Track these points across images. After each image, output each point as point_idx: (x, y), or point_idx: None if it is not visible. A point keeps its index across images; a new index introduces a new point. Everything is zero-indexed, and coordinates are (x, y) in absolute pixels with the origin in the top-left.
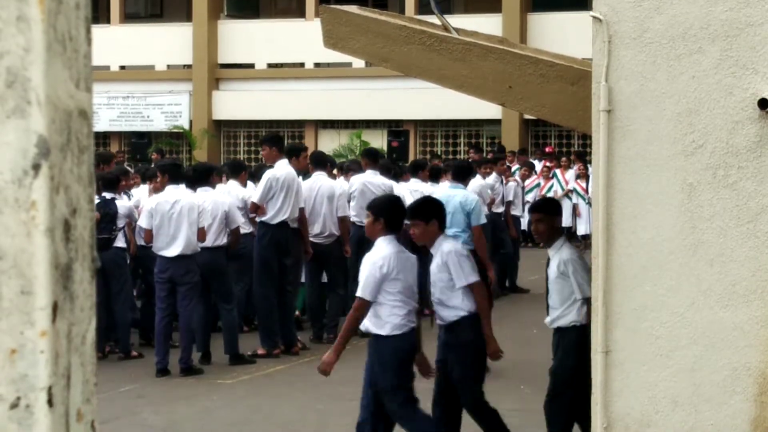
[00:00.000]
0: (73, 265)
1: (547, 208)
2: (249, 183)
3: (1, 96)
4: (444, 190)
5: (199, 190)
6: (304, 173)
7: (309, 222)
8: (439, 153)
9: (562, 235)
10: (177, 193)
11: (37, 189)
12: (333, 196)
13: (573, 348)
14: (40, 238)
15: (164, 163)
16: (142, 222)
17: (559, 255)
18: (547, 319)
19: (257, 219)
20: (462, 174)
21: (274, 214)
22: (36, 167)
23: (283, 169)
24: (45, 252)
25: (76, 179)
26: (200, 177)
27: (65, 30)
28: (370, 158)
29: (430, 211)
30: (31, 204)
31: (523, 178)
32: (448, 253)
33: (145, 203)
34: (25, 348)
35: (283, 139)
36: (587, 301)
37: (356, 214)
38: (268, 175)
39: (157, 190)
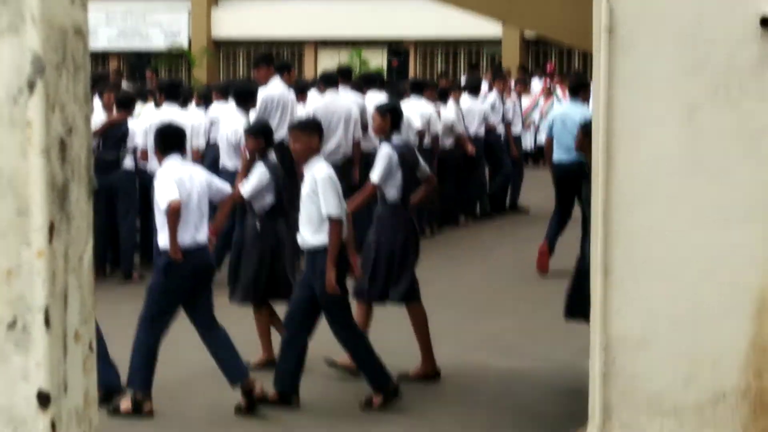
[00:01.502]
0: (69, 185)
1: None
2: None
3: None
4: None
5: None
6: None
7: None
8: (440, 72)
9: None
10: (174, 113)
11: (33, 107)
12: (350, 117)
13: None
14: (36, 157)
15: (163, 82)
16: (140, 141)
17: None
18: None
19: None
20: (578, 89)
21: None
22: (31, 85)
23: (277, 87)
24: (41, 172)
25: (72, 98)
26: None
27: None
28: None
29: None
30: (26, 123)
31: (519, 94)
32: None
33: (142, 122)
34: (22, 268)
35: (273, 57)
36: None
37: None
38: (262, 95)
39: None
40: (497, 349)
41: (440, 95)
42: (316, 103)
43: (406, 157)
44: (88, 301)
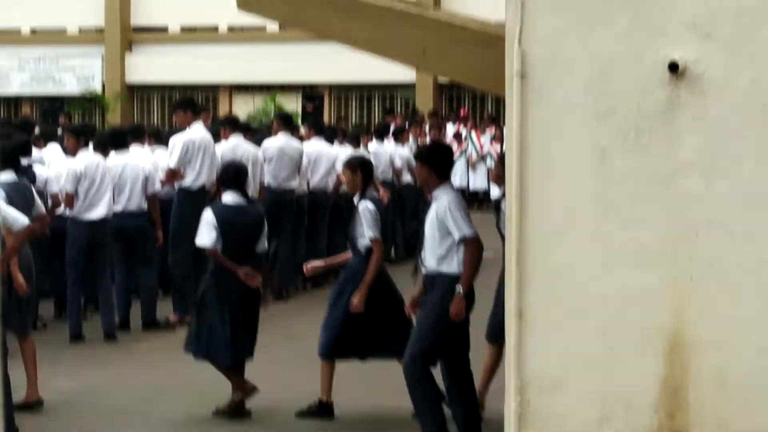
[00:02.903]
0: None
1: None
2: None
3: None
4: None
5: (115, 153)
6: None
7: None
8: (350, 118)
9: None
10: (94, 157)
11: None
12: (257, 161)
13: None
14: None
15: (77, 126)
16: (67, 185)
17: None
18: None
19: (176, 185)
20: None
21: (193, 179)
22: None
23: (198, 132)
24: None
25: None
26: (117, 141)
27: None
28: (284, 122)
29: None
30: None
31: (433, 139)
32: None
33: (62, 166)
34: None
35: (196, 102)
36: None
37: (273, 177)
38: (182, 138)
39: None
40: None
41: (351, 139)
42: (223, 147)
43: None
44: None
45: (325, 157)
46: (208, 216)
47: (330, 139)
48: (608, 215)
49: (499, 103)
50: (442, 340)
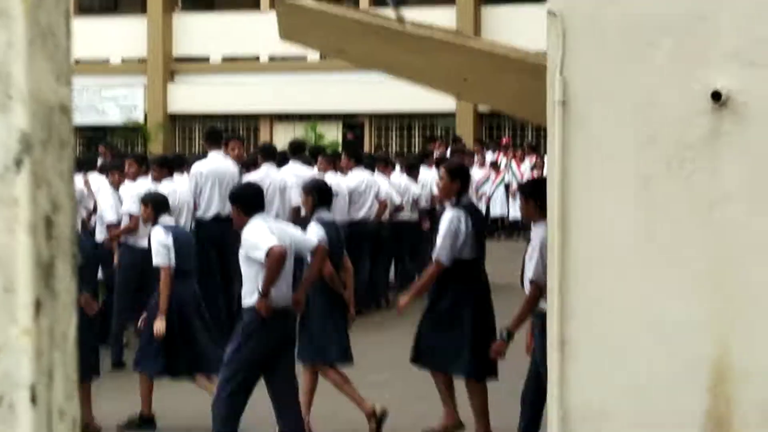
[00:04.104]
0: (55, 262)
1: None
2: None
3: None
4: None
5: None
6: (249, 166)
7: None
8: (390, 146)
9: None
10: (152, 183)
11: (20, 185)
12: (285, 188)
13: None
14: (23, 234)
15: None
16: (134, 207)
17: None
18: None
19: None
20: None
21: (204, 208)
22: (18, 163)
23: (211, 161)
24: (27, 249)
25: (58, 175)
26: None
27: (47, 24)
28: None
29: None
30: (13, 200)
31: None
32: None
33: (108, 195)
34: (8, 346)
35: (215, 131)
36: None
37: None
38: (192, 170)
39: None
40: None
41: (409, 167)
42: (252, 176)
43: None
44: (72, 377)
45: (371, 188)
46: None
47: (370, 168)
48: (651, 244)
49: (540, 131)
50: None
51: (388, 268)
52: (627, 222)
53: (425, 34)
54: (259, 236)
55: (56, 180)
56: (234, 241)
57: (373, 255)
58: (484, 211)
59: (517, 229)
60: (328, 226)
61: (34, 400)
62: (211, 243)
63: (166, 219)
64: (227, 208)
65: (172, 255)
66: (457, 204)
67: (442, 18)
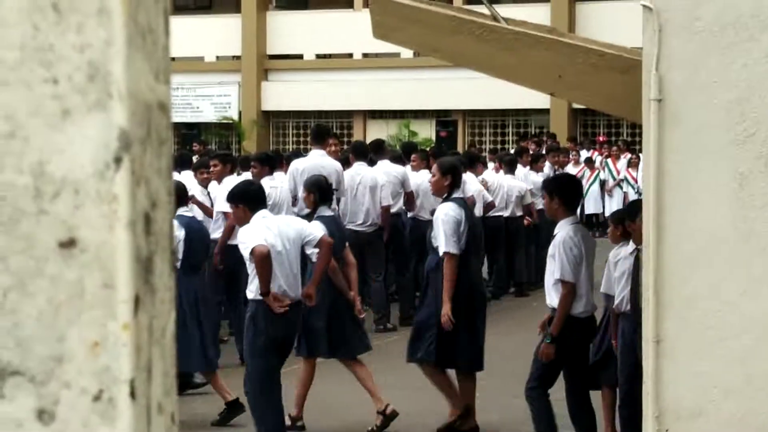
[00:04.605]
0: (153, 258)
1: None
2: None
3: (82, 89)
4: None
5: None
6: (342, 164)
7: (351, 212)
8: (484, 143)
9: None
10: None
11: (119, 182)
12: (375, 187)
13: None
14: (122, 231)
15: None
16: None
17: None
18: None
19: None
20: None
21: (301, 205)
22: (117, 160)
23: (310, 159)
24: (127, 245)
25: (156, 172)
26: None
27: (145, 22)
28: (369, 150)
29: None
30: (112, 197)
31: (562, 165)
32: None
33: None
34: (108, 341)
35: (325, 130)
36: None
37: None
38: (290, 167)
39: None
40: None
41: (507, 164)
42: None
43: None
44: (171, 373)
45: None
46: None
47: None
48: (748, 242)
49: (635, 128)
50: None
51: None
52: (723, 220)
53: (519, 31)
54: (249, 235)
55: (155, 177)
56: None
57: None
58: (578, 208)
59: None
60: (329, 222)
61: (133, 395)
62: None
63: (182, 209)
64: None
65: (180, 248)
66: (448, 199)
67: (536, 15)
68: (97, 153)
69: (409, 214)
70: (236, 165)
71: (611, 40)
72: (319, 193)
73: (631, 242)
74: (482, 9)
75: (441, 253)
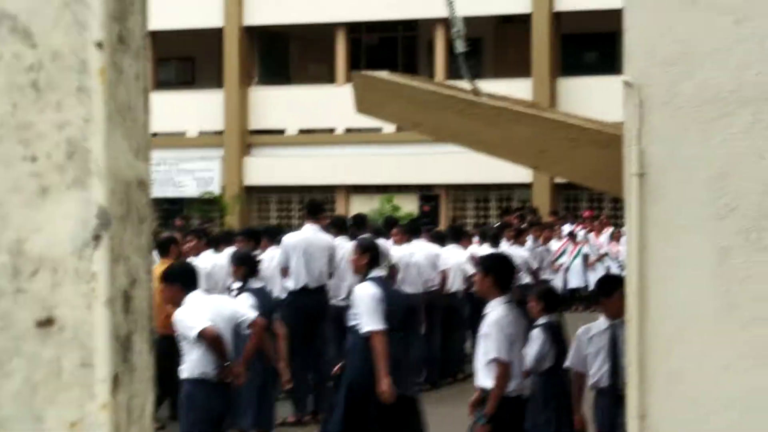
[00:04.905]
0: (132, 337)
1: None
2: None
3: (61, 167)
4: None
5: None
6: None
7: (334, 287)
8: (465, 218)
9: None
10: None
11: (98, 260)
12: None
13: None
14: (101, 309)
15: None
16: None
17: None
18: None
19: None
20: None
21: (293, 280)
22: (96, 238)
23: (300, 233)
24: (105, 323)
25: (136, 250)
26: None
27: (125, 100)
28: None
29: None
30: (91, 275)
31: (547, 239)
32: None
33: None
34: (86, 421)
35: (319, 205)
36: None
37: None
38: (282, 241)
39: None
40: None
41: (491, 238)
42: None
43: None
44: None
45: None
46: None
47: (441, 241)
48: (730, 316)
49: (617, 202)
50: None
51: (464, 339)
52: (706, 295)
53: (501, 106)
54: (192, 316)
55: (134, 255)
56: (324, 311)
57: (446, 326)
58: (561, 282)
59: (597, 302)
60: (257, 293)
61: None
62: (301, 313)
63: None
64: (317, 280)
65: None
66: (365, 278)
67: (518, 90)
68: (75, 231)
69: None
70: (215, 240)
71: (593, 114)
72: (248, 266)
73: (602, 317)
74: (464, 84)
75: (364, 332)
